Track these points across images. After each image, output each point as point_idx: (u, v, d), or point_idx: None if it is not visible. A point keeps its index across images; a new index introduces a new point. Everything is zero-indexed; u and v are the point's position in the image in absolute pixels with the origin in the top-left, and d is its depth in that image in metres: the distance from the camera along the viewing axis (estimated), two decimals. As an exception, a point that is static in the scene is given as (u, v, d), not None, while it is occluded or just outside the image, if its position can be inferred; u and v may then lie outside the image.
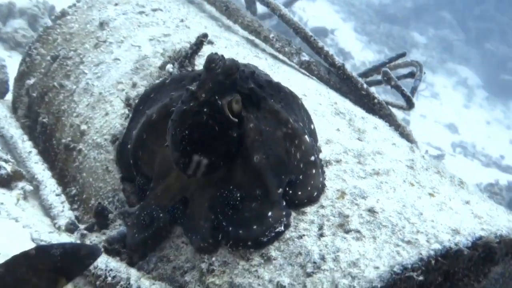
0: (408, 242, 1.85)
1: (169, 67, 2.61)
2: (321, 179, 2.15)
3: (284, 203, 2.06)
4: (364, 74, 3.46)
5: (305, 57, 3.26)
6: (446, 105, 17.88)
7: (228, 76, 1.92)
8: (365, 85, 3.13)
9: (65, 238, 2.40)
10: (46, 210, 2.91)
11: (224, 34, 3.46)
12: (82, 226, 2.54)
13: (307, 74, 3.31)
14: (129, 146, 2.32)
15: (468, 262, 1.97)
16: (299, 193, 2.08)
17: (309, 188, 2.09)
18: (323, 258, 1.87)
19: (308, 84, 3.04)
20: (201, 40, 2.56)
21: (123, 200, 2.57)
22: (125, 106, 2.72)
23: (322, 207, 2.05)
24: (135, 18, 3.59)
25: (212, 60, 1.91)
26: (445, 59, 21.08)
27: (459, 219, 1.99)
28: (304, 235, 1.97)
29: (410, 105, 3.10)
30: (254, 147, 2.02)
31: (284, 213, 2.03)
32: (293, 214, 2.06)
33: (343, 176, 2.19)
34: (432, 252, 1.80)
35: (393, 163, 2.31)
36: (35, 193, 3.05)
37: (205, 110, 1.86)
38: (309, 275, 1.85)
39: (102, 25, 3.61)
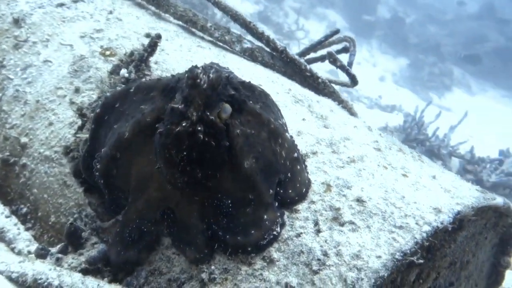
0: (400, 227, 2.02)
1: (124, 72, 2.50)
2: (306, 174, 2.24)
3: (276, 204, 2.13)
4: (302, 54, 3.55)
5: (247, 44, 3.26)
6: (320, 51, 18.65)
7: (214, 89, 1.91)
8: (308, 66, 3.22)
9: (40, 265, 2.28)
10: (-1, 234, 2.72)
11: (160, 24, 3.34)
12: (53, 249, 2.42)
13: (252, 60, 3.34)
14: (97, 164, 2.22)
15: (444, 233, 2.20)
16: (290, 191, 2.15)
17: (298, 185, 2.17)
18: (326, 254, 1.98)
19: (258, 72, 3.07)
20: (155, 42, 2.48)
21: (92, 215, 2.49)
22: (78, 116, 2.58)
23: (313, 202, 2.15)
24: (56, 12, 3.34)
25: (196, 75, 1.88)
26: (314, 4, 21.96)
27: (435, 196, 2.19)
28: (301, 233, 2.06)
29: (354, 82, 3.26)
30: (243, 152, 2.04)
31: (278, 214, 2.10)
32: (286, 213, 2.14)
33: (323, 168, 2.29)
34: (424, 235, 1.98)
35: (362, 147, 2.46)
36: (-21, 217, 2.82)
37: (199, 129, 1.84)
38: (316, 272, 1.95)
39: (17, 22, 3.32)
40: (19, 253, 2.57)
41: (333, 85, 3.24)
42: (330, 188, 2.18)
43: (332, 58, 3.10)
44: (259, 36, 3.21)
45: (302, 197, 2.16)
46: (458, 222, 2.21)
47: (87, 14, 3.31)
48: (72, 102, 2.79)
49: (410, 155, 2.58)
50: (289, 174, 2.16)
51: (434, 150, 10.85)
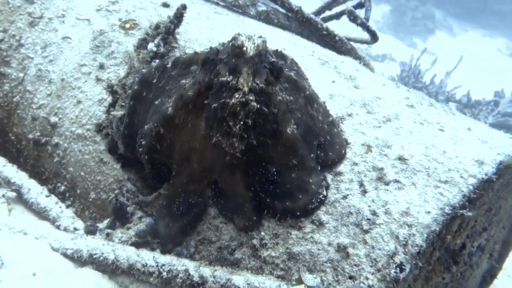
0: (446, 182, 2.05)
1: (151, 46, 2.46)
2: (342, 135, 2.26)
3: (318, 167, 2.16)
4: (318, 13, 3.49)
5: (262, 7, 3.20)
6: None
7: (260, 56, 1.90)
8: (324, 25, 3.19)
9: (93, 241, 2.31)
10: (41, 214, 2.73)
11: (176, -8, 3.27)
12: (101, 225, 2.45)
13: (268, 23, 3.29)
14: (142, 140, 2.22)
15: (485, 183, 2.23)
16: (330, 153, 2.17)
17: (337, 147, 2.19)
18: (374, 213, 2.02)
19: (278, 35, 3.03)
20: (181, 13, 2.44)
21: (134, 190, 2.51)
22: (109, 93, 2.56)
23: (355, 164, 2.17)
24: (66, -14, 3.26)
25: (241, 43, 1.86)
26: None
27: (475, 148, 2.22)
28: (348, 194, 2.09)
29: (375, 39, 3.23)
30: (285, 119, 2.05)
31: (322, 177, 2.13)
32: (330, 176, 2.17)
33: (360, 129, 2.30)
34: (471, 187, 2.02)
35: (395, 105, 2.46)
36: (18, 198, 2.84)
37: (251, 98, 1.85)
38: (366, 231, 1.99)
39: (28, -2, 3.24)
40: (64, 230, 2.60)
41: (351, 42, 3.22)
42: (370, 149, 2.20)
43: (352, 16, 3.06)
44: (274, -3, 3.16)
45: (341, 158, 2.19)
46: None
47: (100, -14, 3.22)
48: (98, 79, 2.76)
49: (442, 109, 2.59)
50: (328, 137, 2.17)
51: (431, 97, 10.88)
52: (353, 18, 3.07)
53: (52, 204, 2.73)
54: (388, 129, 2.29)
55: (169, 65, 2.14)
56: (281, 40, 2.94)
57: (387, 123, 2.32)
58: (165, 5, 3.02)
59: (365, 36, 3.40)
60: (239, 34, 1.89)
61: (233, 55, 1.86)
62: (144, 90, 2.23)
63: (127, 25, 2.88)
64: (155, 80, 2.19)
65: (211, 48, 2.06)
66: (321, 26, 3.17)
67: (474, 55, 18.16)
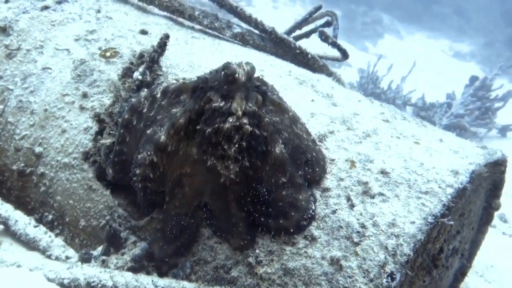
0: (426, 193, 2.19)
1: (137, 74, 2.51)
2: (322, 151, 2.37)
3: (306, 183, 2.25)
4: (289, 32, 3.61)
5: (237, 29, 3.29)
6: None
7: (250, 81, 2.00)
8: (297, 44, 3.31)
9: (89, 269, 2.33)
10: (30, 244, 2.72)
11: (150, 19, 3.31)
12: (95, 252, 2.47)
13: (243, 45, 3.37)
14: (136, 169, 2.25)
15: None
16: (317, 169, 2.27)
17: (321, 163, 2.30)
18: (363, 226, 2.12)
19: (255, 56, 3.12)
20: (165, 42, 2.50)
21: (125, 215, 2.54)
22: (96, 122, 2.59)
23: (341, 179, 2.28)
24: (43, 16, 3.26)
25: (234, 70, 1.94)
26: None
27: (448, 159, 2.37)
28: (337, 209, 2.20)
29: (346, 56, 3.36)
30: (273, 139, 2.14)
31: (310, 193, 2.23)
32: (318, 192, 2.27)
33: (343, 145, 2.41)
34: (449, 197, 2.16)
35: (372, 121, 2.59)
36: (5, 231, 2.81)
37: (245, 121, 1.93)
38: (357, 244, 2.10)
39: (4, 30, 3.22)
40: (56, 259, 2.60)
41: (322, 59, 3.34)
42: (354, 164, 2.31)
43: (324, 36, 3.18)
44: (247, 19, 3.25)
45: (325, 172, 2.29)
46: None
47: (76, 15, 3.25)
48: (82, 108, 2.79)
49: (414, 122, 2.74)
50: (313, 154, 2.27)
51: (389, 102, 11.21)
52: (325, 38, 3.20)
53: (41, 234, 2.73)
54: (369, 144, 2.42)
55: (158, 95, 2.20)
56: (259, 61, 3.03)
57: (367, 139, 2.44)
58: (143, 32, 3.07)
59: (335, 53, 3.53)
60: (229, 63, 1.97)
61: (226, 82, 1.94)
62: (134, 119, 2.28)
63: (108, 54, 2.92)
64: (145, 110, 2.25)
65: (198, 77, 2.13)
66: (294, 45, 3.28)
67: (422, 56, 18.78)
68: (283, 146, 2.17)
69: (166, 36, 2.49)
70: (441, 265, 2.65)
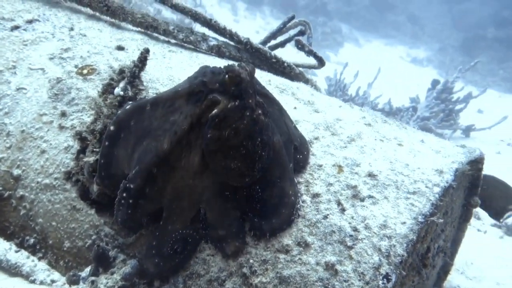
0: (414, 193, 2.21)
1: (118, 90, 2.46)
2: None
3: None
4: (264, 43, 3.62)
5: (213, 42, 3.28)
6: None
7: (254, 81, 2.01)
8: (273, 53, 3.32)
9: (78, 293, 2.26)
10: (11, 270, 2.62)
11: (125, 34, 3.26)
12: (83, 274, 2.39)
13: (220, 57, 3.36)
14: (130, 185, 2.16)
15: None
16: (305, 152, 2.30)
17: (306, 146, 2.34)
18: (356, 229, 2.12)
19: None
20: (145, 56, 2.46)
21: (112, 233, 2.48)
22: (78, 140, 2.52)
23: (330, 184, 2.28)
24: (13, 36, 3.18)
25: (239, 72, 1.93)
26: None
27: (432, 159, 2.40)
28: (328, 214, 2.19)
29: (322, 63, 3.39)
30: (273, 130, 2.13)
31: (297, 187, 2.22)
32: (308, 198, 2.26)
33: (329, 150, 2.42)
34: (437, 196, 2.18)
35: (355, 125, 2.61)
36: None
37: (260, 112, 1.93)
38: (351, 247, 2.09)
39: (-26, 52, 3.13)
40: (41, 284, 2.51)
41: (299, 68, 3.36)
42: (342, 169, 2.32)
43: (300, 45, 3.20)
44: (222, 31, 3.24)
45: (309, 154, 2.34)
46: (452, 177, 2.44)
47: (48, 34, 3.18)
48: (61, 127, 2.72)
49: (394, 124, 2.77)
50: (299, 139, 2.30)
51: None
52: (301, 47, 3.22)
53: (24, 258, 2.63)
54: (354, 148, 2.43)
55: (148, 107, 2.15)
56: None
57: (351, 143, 2.46)
58: (120, 48, 3.03)
59: (310, 60, 3.56)
60: (232, 65, 1.96)
61: (232, 84, 1.92)
62: (122, 132, 2.21)
63: (85, 71, 2.86)
64: (132, 122, 2.19)
65: (191, 82, 2.09)
66: (270, 54, 3.29)
67: (382, 63, 19.22)
68: (279, 135, 2.16)
69: (146, 51, 2.45)
70: (429, 264, 2.67)
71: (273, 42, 3.69)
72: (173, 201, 2.14)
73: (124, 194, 2.13)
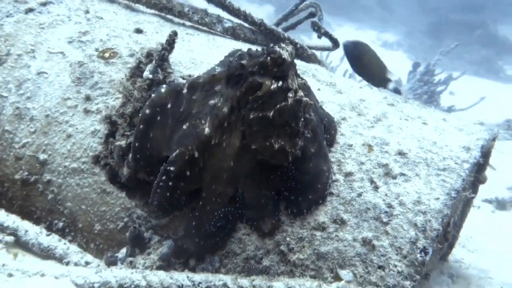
0: (444, 169, 2.27)
1: (147, 73, 2.46)
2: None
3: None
4: (277, 25, 3.62)
5: (228, 23, 3.26)
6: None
7: (294, 61, 2.03)
8: (286, 34, 3.33)
9: (119, 271, 2.27)
10: (44, 253, 2.63)
11: (141, 17, 3.23)
12: (120, 255, 2.42)
13: (235, 39, 3.35)
14: (170, 167, 2.14)
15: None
16: (332, 132, 2.35)
17: (333, 125, 2.40)
18: (390, 206, 2.18)
19: (253, 50, 3.12)
20: (174, 39, 2.45)
21: (144, 215, 2.50)
22: (107, 124, 2.52)
23: (362, 163, 2.32)
24: (29, 19, 3.12)
25: (280, 54, 1.94)
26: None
27: (457, 137, 2.46)
28: (362, 192, 2.24)
29: (337, 45, 3.41)
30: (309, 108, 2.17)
31: (330, 163, 2.26)
32: (341, 177, 2.30)
33: (357, 130, 2.46)
34: (467, 171, 2.25)
35: (379, 105, 2.65)
36: (16, 242, 2.70)
37: (302, 94, 1.97)
38: (386, 223, 2.15)
39: (-12, 36, 3.07)
40: (75, 265, 2.53)
41: (312, 50, 3.38)
42: (371, 148, 2.37)
43: (316, 26, 3.22)
44: (236, 12, 3.23)
45: (336, 134, 2.41)
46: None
47: (64, 17, 3.13)
48: (87, 111, 2.70)
49: (415, 104, 2.83)
50: (326, 119, 2.34)
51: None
52: (317, 28, 3.23)
53: (56, 242, 2.63)
54: (381, 128, 2.47)
55: (184, 90, 2.15)
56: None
57: (378, 123, 2.50)
58: (139, 31, 3.00)
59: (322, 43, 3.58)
60: (273, 47, 1.96)
61: (275, 65, 1.94)
62: (158, 115, 2.21)
63: (106, 54, 2.84)
64: (169, 105, 2.19)
65: (229, 66, 2.10)
66: (283, 36, 3.30)
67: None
68: (313, 114, 2.20)
69: (175, 33, 2.44)
70: (449, 238, 2.76)
71: (284, 25, 3.69)
72: (213, 182, 2.17)
73: (164, 177, 2.14)
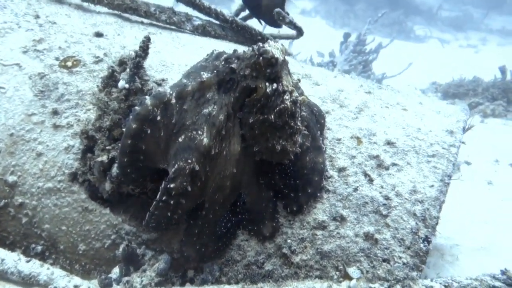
0: (434, 156, 2.27)
1: (123, 83, 2.27)
2: None
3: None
4: (236, 15, 3.47)
5: (197, 21, 3.09)
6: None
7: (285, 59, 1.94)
8: (257, 29, 3.22)
9: (116, 297, 2.14)
10: (26, 281, 2.43)
11: (98, 18, 2.99)
12: (113, 275, 2.27)
13: (204, 36, 3.19)
14: (170, 184, 1.97)
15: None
16: (322, 121, 2.30)
17: (323, 113, 2.35)
18: (387, 198, 2.17)
19: (223, 46, 2.98)
20: (147, 45, 2.28)
21: (134, 231, 2.36)
22: (84, 139, 2.33)
23: (353, 157, 2.28)
24: (-27, 30, 2.82)
25: (271, 54, 1.85)
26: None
27: (437, 120, 2.47)
28: (357, 186, 2.21)
29: (301, 33, 3.32)
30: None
31: (324, 155, 2.22)
32: (335, 173, 2.26)
33: (343, 123, 2.41)
34: (455, 155, 2.26)
35: (358, 95, 2.61)
36: (-8, 273, 2.47)
37: (297, 94, 1.91)
38: (386, 216, 2.14)
39: None
40: (65, 292, 2.36)
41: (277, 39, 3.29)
42: (360, 140, 2.33)
43: (281, 16, 3.11)
44: (207, 10, 3.07)
45: (325, 123, 2.37)
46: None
47: (13, 24, 2.84)
48: (56, 126, 2.49)
49: (389, 89, 2.81)
50: (315, 108, 2.29)
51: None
52: (282, 18, 3.13)
53: (38, 267, 2.43)
54: (365, 118, 2.44)
55: (173, 101, 2.01)
56: (224, 48, 2.90)
57: (361, 113, 2.47)
58: (98, 34, 2.78)
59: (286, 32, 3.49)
60: (263, 46, 1.86)
61: (268, 65, 1.84)
62: (147, 128, 2.04)
63: (69, 63, 2.61)
64: (158, 118, 2.03)
65: (218, 70, 1.98)
66: (255, 31, 3.19)
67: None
68: (304, 108, 2.14)
69: (148, 39, 2.26)
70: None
71: (243, 14, 3.56)
72: (216, 192, 2.06)
73: (165, 197, 1.99)
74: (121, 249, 2.27)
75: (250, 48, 1.95)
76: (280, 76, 1.87)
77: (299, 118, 1.94)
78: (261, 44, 1.89)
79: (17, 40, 2.75)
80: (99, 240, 2.39)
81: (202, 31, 3.08)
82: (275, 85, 1.85)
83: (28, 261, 2.45)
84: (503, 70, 10.29)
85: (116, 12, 3.16)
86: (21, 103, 2.54)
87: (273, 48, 1.86)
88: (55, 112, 2.49)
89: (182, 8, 3.12)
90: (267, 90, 1.85)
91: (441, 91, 10.74)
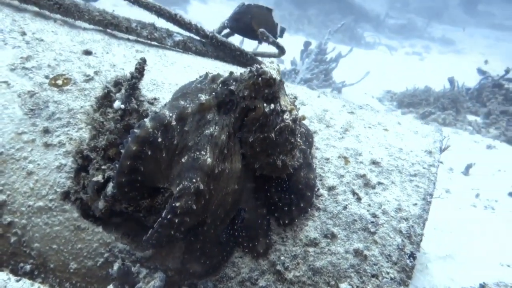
0: (415, 175, 2.39)
1: (119, 104, 2.28)
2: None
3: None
4: (219, 32, 3.51)
5: (178, 37, 3.12)
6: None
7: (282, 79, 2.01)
8: (236, 46, 3.27)
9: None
10: (17, 302, 2.39)
11: (85, 35, 2.97)
12: (110, 296, 2.26)
13: (185, 52, 3.21)
14: (175, 203, 1.98)
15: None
16: (310, 139, 2.38)
17: (311, 132, 2.44)
18: (375, 216, 2.26)
19: (204, 63, 3.00)
20: (143, 66, 2.30)
21: (127, 248, 2.36)
22: (78, 159, 2.32)
23: (342, 176, 2.38)
24: (-43, 46, 2.75)
25: (269, 74, 1.91)
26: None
27: (416, 140, 2.59)
28: (347, 205, 2.30)
29: (283, 52, 3.39)
30: None
31: (315, 172, 2.30)
32: (325, 191, 2.35)
33: (330, 143, 2.50)
34: (435, 175, 2.39)
35: (342, 114, 2.71)
36: (-20, 293, 2.42)
37: (296, 112, 1.97)
38: (374, 233, 2.23)
39: None
40: (56, 312, 2.34)
41: (259, 57, 3.36)
42: (347, 160, 2.43)
43: (264, 36, 3.18)
44: (187, 26, 3.10)
45: (313, 141, 2.46)
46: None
47: (-1, 41, 2.79)
48: (47, 145, 2.47)
49: (369, 109, 2.92)
50: (303, 128, 2.37)
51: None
52: (266, 38, 3.20)
53: (28, 287, 2.41)
54: (350, 138, 2.54)
55: (173, 123, 2.04)
56: (210, 67, 2.94)
57: (346, 133, 2.56)
58: (87, 52, 2.76)
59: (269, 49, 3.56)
60: (261, 68, 1.92)
61: (266, 86, 1.90)
62: (148, 150, 2.07)
63: (59, 82, 2.59)
64: (159, 139, 2.06)
65: (216, 92, 2.04)
66: (234, 47, 3.24)
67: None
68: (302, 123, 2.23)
69: (144, 61, 2.28)
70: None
71: (226, 31, 3.61)
72: (218, 208, 2.11)
73: (170, 215, 2.01)
74: (115, 267, 2.26)
75: (247, 70, 2.02)
76: (278, 96, 1.94)
77: (299, 135, 2.02)
78: (258, 66, 1.95)
79: (4, 57, 2.70)
80: (91, 258, 2.38)
81: (183, 46, 3.11)
82: (272, 105, 1.93)
83: (18, 280, 2.41)
84: (451, 81, 10.75)
85: (101, 28, 3.15)
86: (10, 122, 2.50)
87: (271, 69, 1.92)
88: (46, 131, 2.46)
89: (162, 23, 3.13)
90: (266, 110, 1.92)
91: (396, 100, 11.05)
